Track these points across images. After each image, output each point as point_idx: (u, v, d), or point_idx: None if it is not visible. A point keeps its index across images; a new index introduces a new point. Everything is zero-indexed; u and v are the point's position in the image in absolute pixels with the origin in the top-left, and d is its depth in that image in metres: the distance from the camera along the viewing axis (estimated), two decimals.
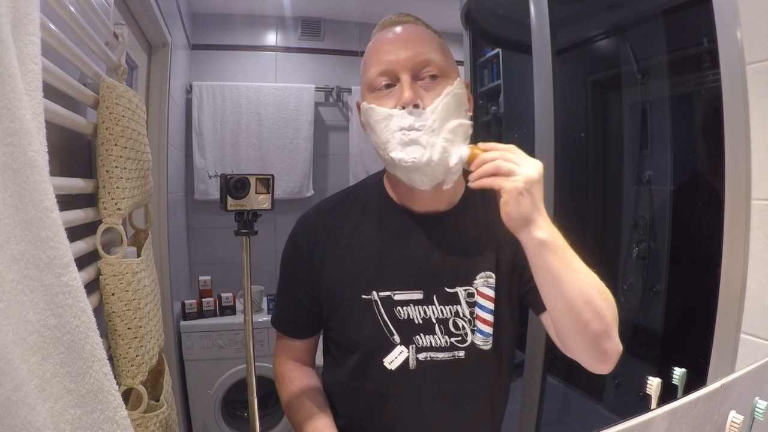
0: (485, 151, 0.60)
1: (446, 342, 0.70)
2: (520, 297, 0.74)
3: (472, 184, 0.60)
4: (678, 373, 0.84)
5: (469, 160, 0.61)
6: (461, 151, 0.62)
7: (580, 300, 0.59)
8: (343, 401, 0.76)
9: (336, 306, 0.73)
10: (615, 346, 0.61)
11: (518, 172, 0.57)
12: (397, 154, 0.62)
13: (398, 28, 0.69)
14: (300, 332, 0.80)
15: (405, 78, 0.64)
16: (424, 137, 0.62)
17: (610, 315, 0.60)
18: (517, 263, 0.72)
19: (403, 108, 0.62)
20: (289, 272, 0.78)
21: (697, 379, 0.85)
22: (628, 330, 1.72)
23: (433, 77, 0.65)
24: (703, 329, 0.93)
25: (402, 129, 0.62)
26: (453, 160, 0.62)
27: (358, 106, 0.72)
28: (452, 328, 0.70)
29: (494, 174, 0.58)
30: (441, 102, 0.63)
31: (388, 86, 0.65)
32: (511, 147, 0.59)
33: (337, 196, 0.80)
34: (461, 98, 0.66)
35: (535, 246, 0.58)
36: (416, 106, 0.62)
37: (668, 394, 0.82)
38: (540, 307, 0.68)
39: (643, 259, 1.63)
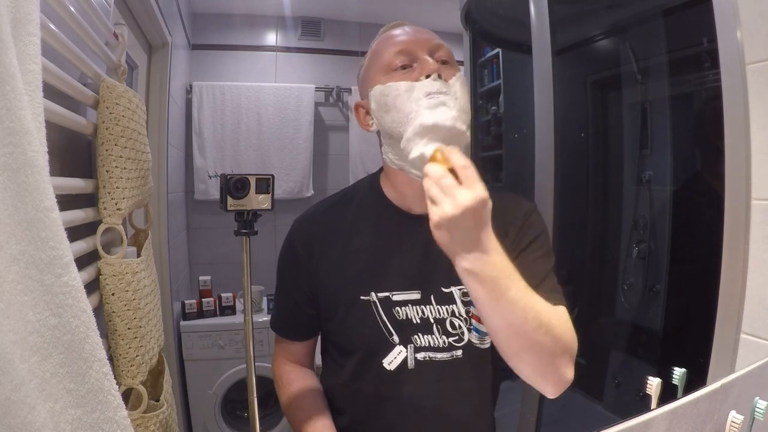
0: (443, 160, 0.54)
1: (444, 342, 0.70)
2: None
3: None
4: (678, 373, 0.84)
5: (431, 159, 0.56)
6: (426, 148, 0.59)
7: (509, 332, 0.56)
8: (342, 402, 0.76)
9: (334, 308, 0.73)
10: (557, 377, 0.59)
11: (439, 204, 0.51)
12: (426, 117, 0.60)
13: (405, 26, 0.72)
14: (298, 334, 0.81)
15: (423, 55, 0.66)
16: (451, 102, 0.62)
17: (548, 349, 0.57)
18: (504, 244, 0.70)
19: (428, 77, 0.64)
20: (286, 275, 0.79)
21: (697, 379, 0.85)
22: (628, 330, 1.72)
23: (444, 62, 0.67)
24: (703, 329, 0.93)
25: (429, 94, 0.62)
26: (413, 153, 0.59)
27: (358, 107, 0.72)
28: (449, 328, 0.71)
29: (426, 193, 0.53)
30: (459, 78, 0.66)
31: (404, 67, 0.66)
32: (465, 165, 0.52)
33: (332, 198, 0.80)
34: (469, 93, 0.68)
35: (460, 273, 0.55)
36: (439, 76, 0.64)
37: (668, 394, 0.82)
38: None
39: (643, 259, 1.63)
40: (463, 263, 0.53)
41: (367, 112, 0.71)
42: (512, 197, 0.77)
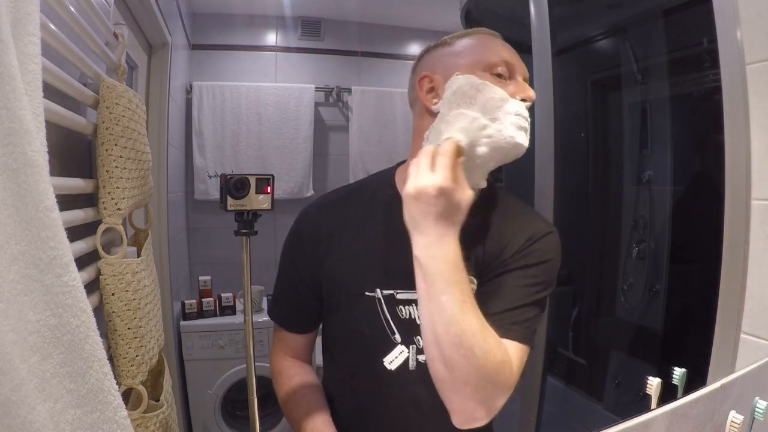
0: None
1: None
2: None
3: None
4: (678, 373, 0.84)
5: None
6: (443, 137, 0.62)
7: (428, 334, 0.55)
8: (341, 399, 0.76)
9: (338, 301, 0.73)
10: (460, 407, 0.56)
11: (408, 180, 0.57)
12: (510, 130, 0.63)
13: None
14: (299, 326, 0.80)
15: (522, 79, 0.68)
16: (526, 132, 0.65)
17: (459, 373, 0.54)
18: (500, 257, 0.68)
19: (524, 101, 0.66)
20: (290, 265, 0.78)
21: (697, 379, 0.85)
22: (629, 330, 1.72)
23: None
24: (703, 329, 0.93)
25: (519, 115, 0.64)
26: (438, 139, 0.63)
27: (424, 78, 0.69)
28: None
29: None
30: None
31: (499, 76, 0.67)
32: (440, 152, 0.57)
33: (342, 191, 0.79)
34: None
35: (413, 257, 0.57)
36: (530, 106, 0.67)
37: (668, 394, 0.82)
38: None
39: (643, 259, 1.63)
40: (414, 246, 0.57)
41: (433, 89, 0.69)
42: (531, 215, 0.75)
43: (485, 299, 0.62)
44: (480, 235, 0.69)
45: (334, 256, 0.73)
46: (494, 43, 0.70)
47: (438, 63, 0.70)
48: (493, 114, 0.63)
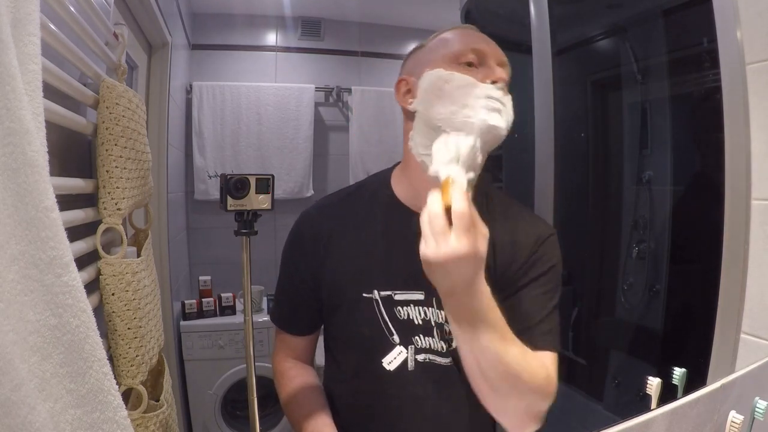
0: (446, 192, 0.53)
1: (443, 347, 0.70)
2: None
3: None
4: (678, 373, 0.84)
5: (442, 185, 0.55)
6: (441, 171, 0.56)
7: (475, 371, 0.58)
8: (342, 400, 0.76)
9: (337, 302, 0.73)
10: (515, 425, 0.61)
11: (426, 244, 0.51)
12: (481, 114, 0.62)
13: (478, 31, 0.72)
14: (300, 328, 0.80)
15: (492, 63, 0.67)
16: (504, 112, 0.65)
17: (510, 400, 0.59)
18: (512, 268, 0.70)
19: (494, 83, 0.65)
20: (291, 267, 0.78)
21: (697, 379, 0.85)
22: (629, 330, 1.72)
23: (502, 80, 0.68)
24: (703, 329, 0.93)
25: (490, 97, 0.64)
26: (431, 170, 0.58)
27: (401, 81, 0.71)
28: (447, 333, 0.70)
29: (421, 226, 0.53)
30: (510, 99, 0.67)
31: (469, 65, 0.66)
32: (461, 213, 0.50)
33: (342, 193, 0.79)
34: None
35: (444, 305, 0.57)
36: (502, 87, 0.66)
37: (668, 394, 0.82)
38: None
39: (643, 259, 1.63)
40: (444, 299, 0.55)
41: (410, 90, 0.70)
42: (531, 217, 0.76)
43: (510, 317, 0.61)
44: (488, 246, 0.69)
45: (334, 257, 0.73)
46: (464, 34, 0.70)
47: (413, 65, 0.72)
48: (463, 101, 0.63)
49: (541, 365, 0.61)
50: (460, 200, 0.51)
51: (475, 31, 0.71)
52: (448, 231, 0.50)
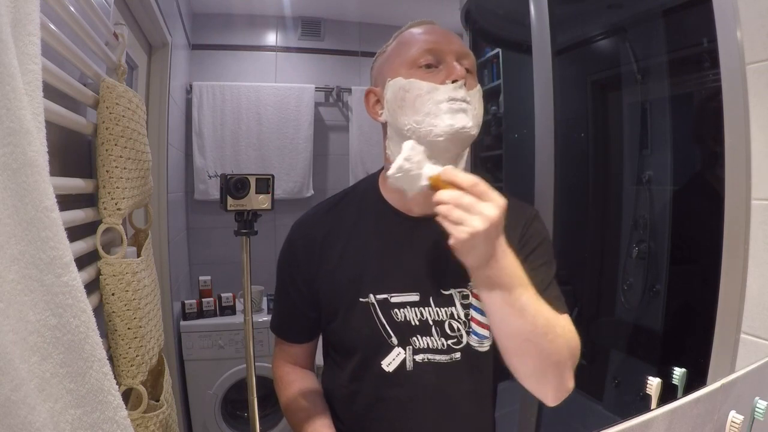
0: (446, 184, 0.56)
1: (443, 344, 0.70)
2: None
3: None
4: (678, 373, 0.84)
5: (432, 187, 0.58)
6: (428, 170, 0.60)
7: (518, 338, 0.59)
8: (342, 403, 0.76)
9: (334, 309, 0.73)
10: (558, 384, 0.61)
11: (466, 222, 0.53)
12: (445, 120, 0.62)
13: (435, 26, 0.71)
14: (298, 337, 0.81)
15: (451, 60, 0.66)
16: (470, 110, 0.64)
17: (553, 356, 0.59)
18: None
19: (454, 81, 0.64)
20: (286, 278, 0.78)
21: (697, 379, 0.85)
22: (629, 330, 1.72)
23: (468, 71, 0.67)
24: (703, 329, 0.93)
25: (452, 99, 0.63)
26: (414, 188, 0.61)
27: (369, 94, 0.72)
28: (448, 330, 0.70)
29: (446, 217, 0.55)
30: (478, 90, 0.67)
31: (428, 66, 0.66)
32: (474, 184, 0.54)
33: (332, 200, 0.80)
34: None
35: (479, 281, 0.58)
36: (464, 84, 0.65)
37: (668, 394, 0.82)
38: None
39: (643, 259, 1.63)
40: (483, 272, 0.56)
41: (378, 101, 0.71)
42: (514, 202, 0.76)
43: None
44: None
45: (327, 266, 0.74)
46: (419, 34, 0.69)
47: (377, 74, 0.72)
48: (425, 110, 0.63)
49: (569, 324, 0.64)
50: (465, 175, 0.55)
51: (431, 26, 0.71)
52: (478, 200, 0.53)
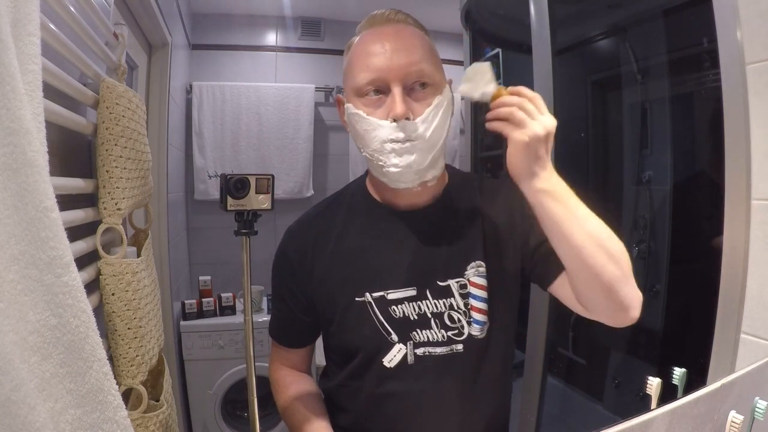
0: (510, 94, 0.60)
1: (443, 336, 0.70)
2: (526, 276, 0.73)
3: (487, 125, 0.61)
4: (678, 373, 0.84)
5: (493, 98, 0.61)
6: (487, 88, 0.62)
7: (590, 243, 0.59)
8: (344, 401, 0.76)
9: (331, 311, 0.73)
10: (635, 291, 0.62)
11: (528, 125, 0.57)
12: (392, 159, 0.64)
13: (389, 29, 0.67)
14: (294, 342, 0.81)
15: (396, 90, 0.63)
16: (417, 145, 0.64)
17: (623, 259, 0.60)
18: (510, 245, 0.72)
19: (395, 121, 0.63)
20: (281, 284, 0.79)
21: (697, 379, 0.85)
22: (629, 330, 1.71)
23: (423, 85, 0.65)
24: (703, 329, 0.93)
25: (394, 141, 0.63)
26: (476, 95, 0.62)
27: (340, 102, 0.72)
28: (448, 322, 0.70)
29: (507, 119, 0.59)
30: (431, 113, 0.65)
31: (376, 92, 0.65)
32: (535, 96, 0.59)
33: (322, 204, 0.80)
34: (449, 106, 0.68)
35: (534, 195, 0.60)
36: (407, 118, 0.63)
37: (668, 394, 0.82)
38: (547, 279, 0.69)
39: (643, 259, 1.63)
40: (538, 183, 0.59)
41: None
42: (493, 181, 0.81)
43: (552, 261, 0.66)
44: (490, 224, 0.73)
45: (321, 268, 0.74)
46: (365, 53, 0.65)
47: (343, 82, 0.72)
48: (373, 146, 0.65)
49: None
50: (528, 90, 0.59)
51: (382, 33, 0.66)
52: (538, 111, 0.58)
